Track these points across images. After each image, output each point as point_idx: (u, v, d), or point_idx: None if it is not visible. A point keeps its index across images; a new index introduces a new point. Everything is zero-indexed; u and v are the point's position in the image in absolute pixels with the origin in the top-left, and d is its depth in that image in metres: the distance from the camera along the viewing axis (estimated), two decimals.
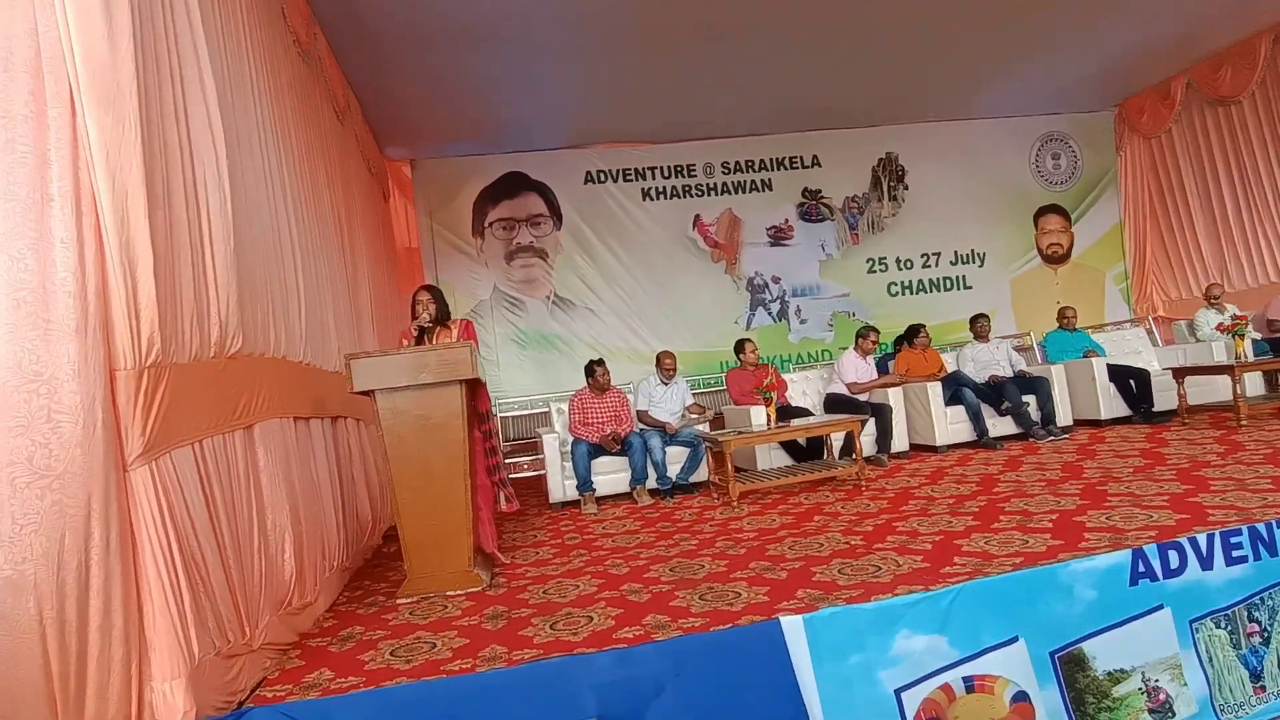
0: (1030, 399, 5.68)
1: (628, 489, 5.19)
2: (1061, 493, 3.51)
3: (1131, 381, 5.83)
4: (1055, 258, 9.30)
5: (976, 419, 5.57)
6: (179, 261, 1.99)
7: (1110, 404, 5.80)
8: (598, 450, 5.12)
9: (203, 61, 2.29)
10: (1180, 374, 5.35)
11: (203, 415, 2.12)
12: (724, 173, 8.46)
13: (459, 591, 3.15)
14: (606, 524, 4.41)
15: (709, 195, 8.40)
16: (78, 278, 1.54)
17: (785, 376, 6.15)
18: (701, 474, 5.27)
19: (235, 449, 2.35)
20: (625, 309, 8.02)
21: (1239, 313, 5.77)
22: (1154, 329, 8.14)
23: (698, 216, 8.36)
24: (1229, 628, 2.43)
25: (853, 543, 3.05)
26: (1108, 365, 5.91)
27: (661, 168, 8.25)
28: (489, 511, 3.61)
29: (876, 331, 6.09)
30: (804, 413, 5.62)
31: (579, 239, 7.89)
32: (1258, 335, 6.37)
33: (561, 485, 5.13)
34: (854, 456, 4.50)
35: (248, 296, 2.44)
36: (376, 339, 5.09)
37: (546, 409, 5.93)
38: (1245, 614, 2.45)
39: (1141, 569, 2.43)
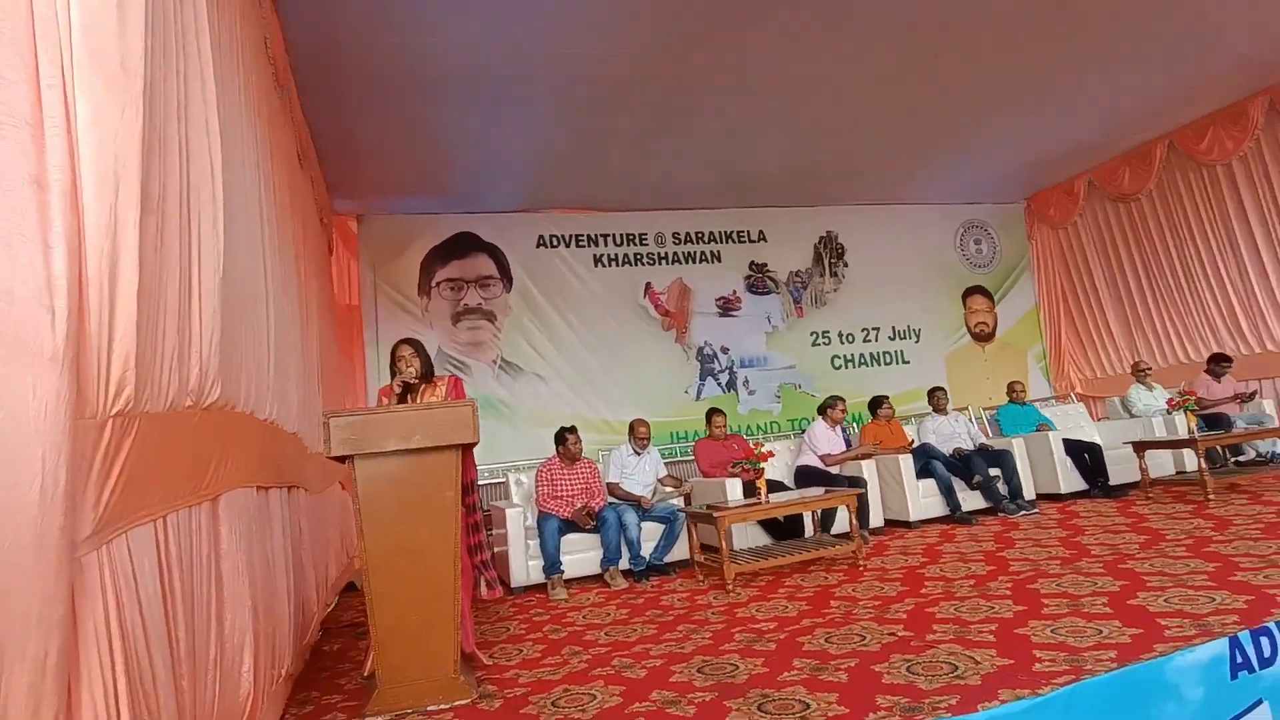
0: (995, 472, 5.67)
1: (597, 570, 4.71)
2: (1085, 571, 3.36)
3: (1086, 455, 5.94)
4: (982, 336, 9.69)
5: (949, 493, 5.48)
6: (166, 281, 1.51)
7: (1068, 478, 5.87)
8: (568, 527, 4.64)
9: (205, 57, 1.87)
10: (1140, 448, 5.47)
11: (171, 482, 1.60)
12: (675, 243, 8.40)
13: (444, 706, 2.59)
14: (585, 612, 3.91)
15: (660, 264, 8.28)
16: (55, 287, 1.07)
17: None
18: (677, 553, 4.87)
19: (200, 526, 1.81)
20: (574, 376, 7.64)
21: (1187, 389, 6.05)
22: (1088, 405, 8.48)
23: (649, 284, 8.20)
24: None
25: (898, 634, 2.73)
26: (1063, 439, 6.01)
27: (613, 235, 8.09)
28: (469, 601, 3.08)
29: (844, 401, 5.98)
30: (780, 486, 5.37)
31: (529, 302, 7.52)
32: None
33: (525, 567, 4.59)
34: (849, 533, 4.24)
35: (230, 336, 1.95)
36: (322, 400, 4.49)
37: (504, 480, 5.40)
38: None
39: (1239, 659, 2.23)
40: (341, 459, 2.66)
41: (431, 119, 5.56)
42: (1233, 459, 6.16)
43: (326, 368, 4.99)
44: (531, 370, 7.44)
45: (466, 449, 2.90)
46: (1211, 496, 4.78)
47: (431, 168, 6.41)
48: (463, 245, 7.36)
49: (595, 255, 7.94)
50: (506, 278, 7.48)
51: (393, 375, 3.22)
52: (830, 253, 9.11)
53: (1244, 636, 2.28)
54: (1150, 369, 7.23)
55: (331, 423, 2.54)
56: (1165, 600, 2.70)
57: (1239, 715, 2.17)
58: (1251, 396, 6.69)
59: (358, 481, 2.62)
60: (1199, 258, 8.09)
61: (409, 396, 3.12)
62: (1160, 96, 7.25)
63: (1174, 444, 5.41)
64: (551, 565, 4.48)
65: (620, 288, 8.01)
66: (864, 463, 5.50)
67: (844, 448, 5.82)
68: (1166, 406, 6.62)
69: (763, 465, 4.37)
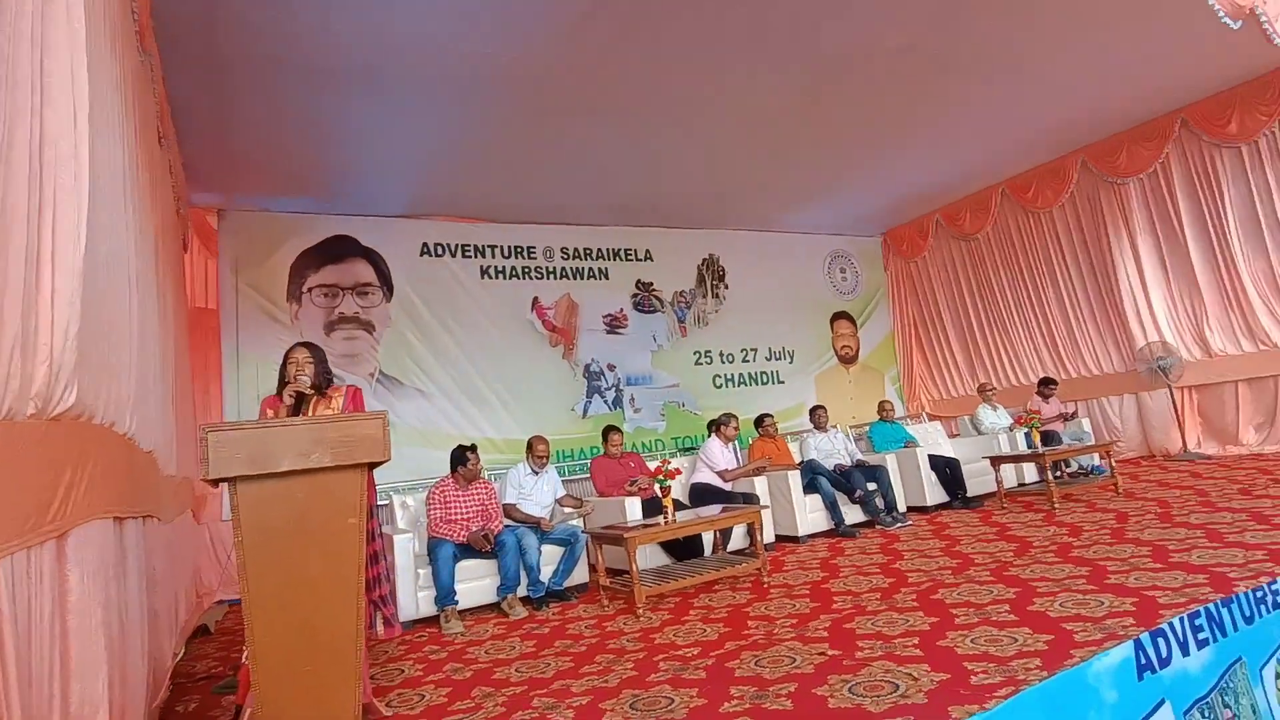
0: (872, 486, 5.90)
1: (493, 599, 4.37)
2: (977, 579, 3.49)
3: (948, 469, 6.34)
4: (847, 358, 10.24)
5: (833, 508, 5.63)
6: (8, 252, 1.13)
7: (933, 491, 6.23)
8: (463, 553, 4.26)
9: None
10: (996, 462, 5.91)
11: (5, 514, 1.20)
12: (563, 258, 8.20)
13: None
14: (487, 646, 3.58)
15: (548, 279, 8.05)
16: None
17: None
18: (577, 577, 4.63)
19: (42, 572, 1.38)
20: (458, 391, 7.19)
21: (1031, 409, 6.63)
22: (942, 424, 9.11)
23: (536, 299, 7.93)
24: (1211, 716, 2.43)
25: (827, 653, 2.67)
26: (928, 455, 6.39)
27: (501, 247, 7.76)
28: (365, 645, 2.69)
29: (736, 418, 6.01)
30: (678, 504, 5.27)
31: (411, 313, 7.01)
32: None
33: (415, 598, 4.16)
34: (746, 550, 4.20)
35: (91, 329, 1.53)
36: (174, 414, 3.84)
37: (388, 502, 4.91)
38: (1220, 699, 2.47)
39: (1143, 660, 2.35)
40: (217, 482, 2.22)
41: (312, 108, 5.04)
42: (1060, 472, 6.83)
43: (179, 378, 4.31)
44: (412, 384, 6.92)
45: (370, 469, 2.54)
46: (1056, 505, 5.23)
47: (308, 162, 5.82)
48: (339, 249, 6.74)
49: (483, 266, 7.57)
50: (387, 286, 6.94)
51: (281, 385, 2.78)
52: (712, 275, 9.28)
53: (1145, 638, 2.40)
54: (995, 390, 7.89)
55: (211, 438, 2.11)
56: (1060, 605, 2.84)
57: (1149, 715, 2.28)
58: (1073, 416, 7.48)
59: (240, 509, 2.19)
60: (1027, 292, 9.01)
61: (303, 410, 2.70)
62: (997, 150, 8.07)
63: (1025, 458, 5.90)
64: (445, 596, 4.09)
65: (507, 301, 7.68)
66: (756, 479, 5.54)
67: (736, 464, 5.84)
68: (1012, 424, 7.25)
69: (670, 483, 4.25)
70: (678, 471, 4.48)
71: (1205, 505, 4.54)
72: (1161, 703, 2.34)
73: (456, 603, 4.15)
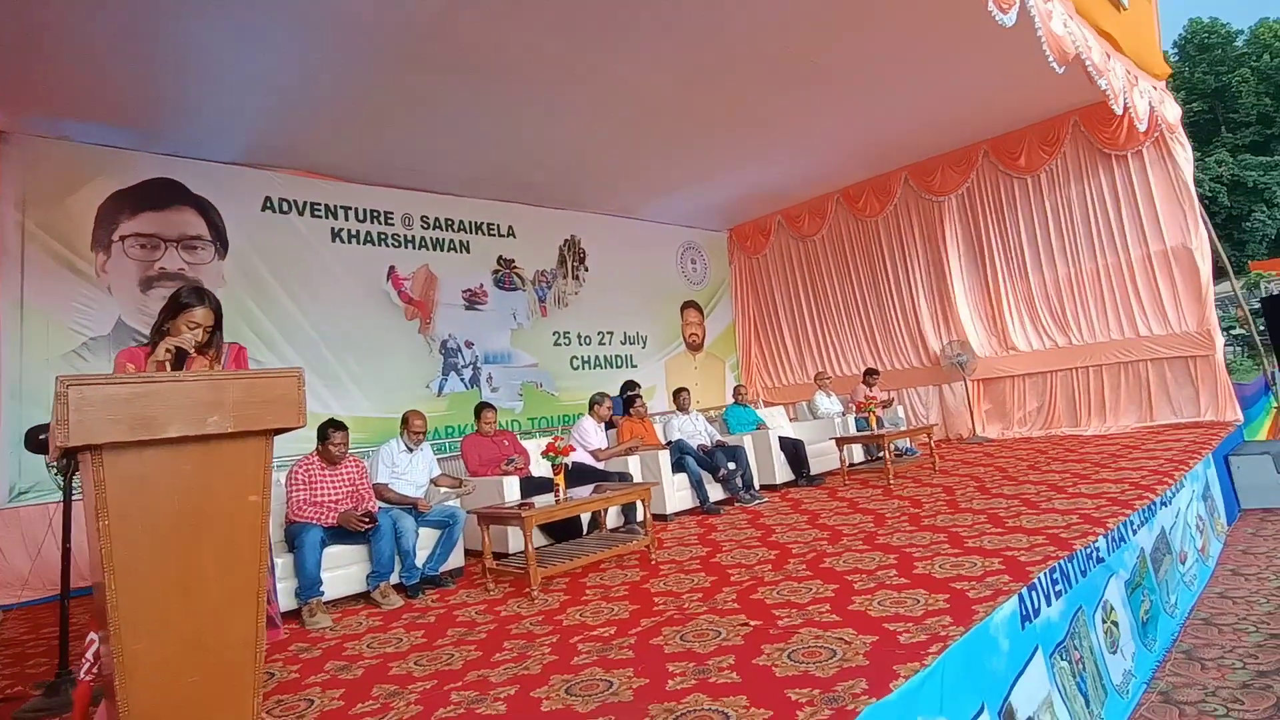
0: (732, 465, 6.12)
1: (361, 589, 3.94)
2: (854, 549, 3.71)
3: (794, 450, 6.75)
4: (694, 345, 10.58)
5: (699, 486, 5.75)
6: None
7: (782, 470, 6.60)
8: (331, 537, 3.78)
9: None
10: (842, 442, 6.38)
11: None
12: (423, 227, 7.61)
13: None
14: (368, 641, 3.20)
15: (406, 247, 7.43)
16: None
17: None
18: (453, 561, 4.31)
19: None
20: (302, 363, 6.41)
21: (869, 395, 7.23)
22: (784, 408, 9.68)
23: (393, 268, 7.29)
24: (1067, 658, 2.76)
25: (750, 624, 2.68)
26: (778, 436, 6.76)
27: (356, 210, 7.03)
28: None
29: (610, 398, 5.94)
30: (547, 482, 5.09)
31: (249, 274, 6.12)
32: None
33: (275, 590, 3.62)
34: (640, 526, 4.16)
35: None
36: None
37: None
38: (1072, 643, 2.82)
39: (1024, 611, 2.62)
40: (72, 452, 1.73)
41: (139, 17, 4.15)
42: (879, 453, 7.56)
43: None
44: (251, 356, 6.02)
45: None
46: (892, 482, 5.76)
47: (127, 85, 4.82)
48: (162, 194, 5.70)
49: (334, 229, 6.81)
50: (220, 241, 6.00)
51: (156, 336, 2.24)
52: (574, 256, 9.12)
53: (1024, 592, 2.68)
54: (830, 378, 8.52)
55: (73, 395, 1.61)
56: (940, 567, 3.09)
57: (1029, 660, 2.54)
58: (890, 403, 8.31)
59: (105, 486, 1.71)
60: (853, 291, 9.84)
61: (181, 367, 2.18)
62: (836, 161, 8.72)
63: (868, 439, 6.43)
64: (311, 586, 3.60)
65: (361, 268, 6.99)
66: (629, 458, 5.52)
67: (606, 444, 5.78)
68: (849, 409, 7.88)
69: (564, 460, 4.07)
70: (571, 449, 4.31)
71: (1008, 479, 5.21)
72: (1035, 649, 2.62)
73: (322, 594, 3.68)
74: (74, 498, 3.08)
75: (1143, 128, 5.98)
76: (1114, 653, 3.04)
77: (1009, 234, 8.18)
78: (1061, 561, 2.88)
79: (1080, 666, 2.76)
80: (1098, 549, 3.17)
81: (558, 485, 4.00)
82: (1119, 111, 5.49)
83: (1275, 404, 8.85)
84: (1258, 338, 7.11)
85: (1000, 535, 3.51)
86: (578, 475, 5.36)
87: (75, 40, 4.27)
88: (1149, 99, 6.24)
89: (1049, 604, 2.74)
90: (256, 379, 1.90)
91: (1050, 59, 4.52)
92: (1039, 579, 2.71)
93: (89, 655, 2.27)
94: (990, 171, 8.34)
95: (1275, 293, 6.47)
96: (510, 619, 3.27)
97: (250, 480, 1.93)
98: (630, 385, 7.28)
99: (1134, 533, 3.55)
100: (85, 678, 2.28)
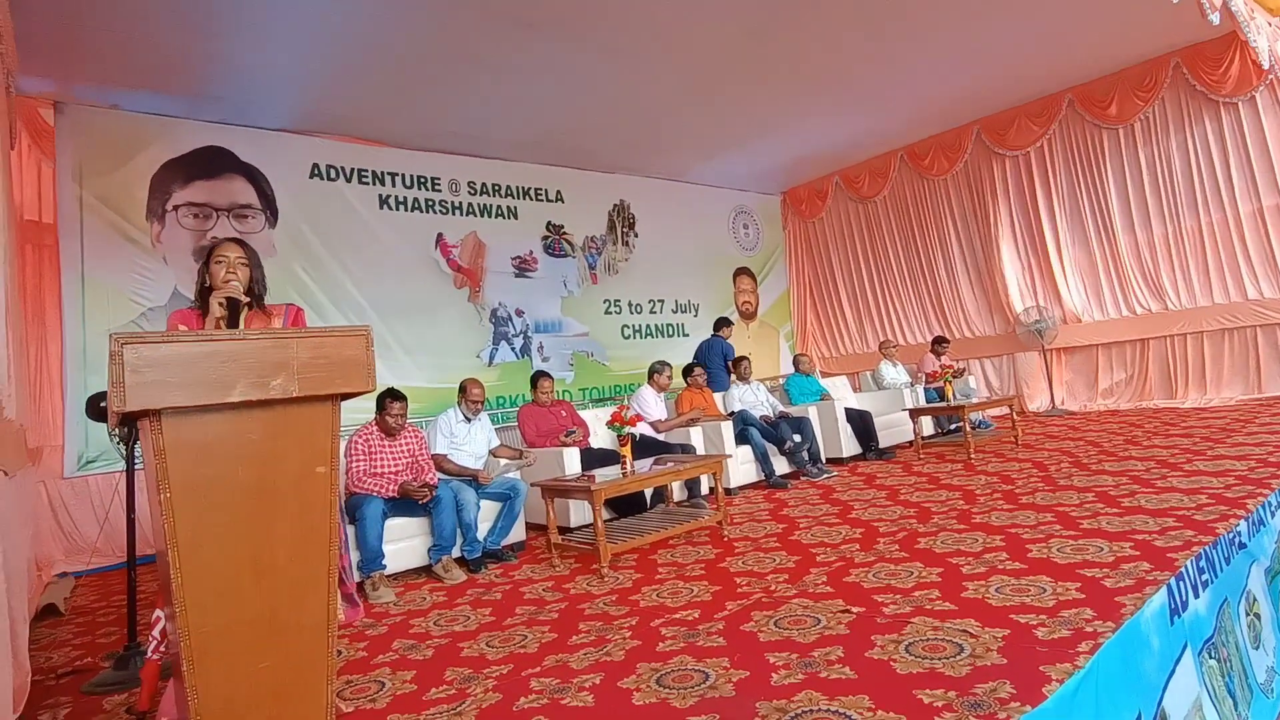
0: (798, 438, 5.85)
1: (424, 562, 3.84)
2: (949, 528, 3.44)
3: (861, 421, 6.44)
4: (748, 314, 10.26)
5: (764, 459, 5.52)
6: None
7: (849, 443, 6.31)
8: (393, 509, 3.68)
9: None
10: (916, 414, 6.05)
11: None
12: (470, 193, 7.43)
13: None
14: (434, 618, 3.08)
15: (454, 214, 7.27)
16: None
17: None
18: (515, 535, 4.18)
19: None
20: None
21: (947, 362, 6.85)
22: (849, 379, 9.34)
23: (441, 235, 7.15)
24: (1216, 656, 2.47)
25: (852, 611, 2.46)
26: (844, 408, 6.45)
27: (403, 175, 6.88)
28: None
29: (670, 367, 5.72)
30: (611, 455, 4.92)
31: (298, 242, 6.04)
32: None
33: (351, 567, 3.54)
34: (705, 500, 3.95)
35: None
36: (7, 343, 2.92)
37: None
38: (1220, 639, 2.52)
39: (1173, 605, 2.33)
40: (130, 419, 1.58)
41: None
42: (953, 427, 7.19)
43: (9, 303, 3.32)
44: None
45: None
46: (973, 456, 5.42)
47: (175, 52, 4.72)
48: (213, 163, 5.64)
49: (381, 195, 6.68)
50: (270, 210, 5.92)
51: (209, 288, 2.10)
52: (623, 222, 8.86)
53: (1173, 583, 2.39)
54: (896, 346, 8.13)
55: (128, 355, 1.45)
56: (1059, 551, 2.81)
57: (1179, 659, 2.25)
58: (961, 373, 7.88)
59: (168, 455, 1.56)
60: (918, 256, 9.37)
61: (237, 324, 2.04)
62: (897, 116, 8.19)
63: (945, 410, 6.07)
64: (373, 559, 3.51)
65: (409, 236, 6.87)
66: (691, 430, 5.30)
67: (666, 415, 5.58)
68: (916, 379, 7.51)
69: (630, 430, 3.88)
70: (637, 418, 4.11)
71: (1106, 455, 4.83)
72: (1185, 647, 2.32)
73: (384, 567, 3.58)
74: (137, 466, 3.01)
75: (1265, 65, 5.38)
76: (1257, 648, 2.73)
77: (1096, 191, 7.61)
78: (1207, 549, 2.57)
79: (1228, 665, 2.47)
80: (1239, 533, 2.84)
81: (624, 457, 3.80)
82: (1251, 42, 4.91)
83: None
84: None
85: (1119, 516, 3.19)
86: (640, 447, 5.17)
87: (131, 10, 4.15)
88: (1267, 35, 5.63)
89: (1196, 596, 2.44)
90: (324, 337, 1.71)
91: None
92: (1186, 567, 2.41)
93: (155, 633, 2.18)
94: (1075, 122, 7.74)
95: None
96: (581, 597, 3.11)
97: (319, 450, 1.76)
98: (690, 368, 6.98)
99: (1272, 514, 3.19)
100: (153, 656, 2.20)
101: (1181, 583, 2.38)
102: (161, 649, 2.18)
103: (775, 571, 3.09)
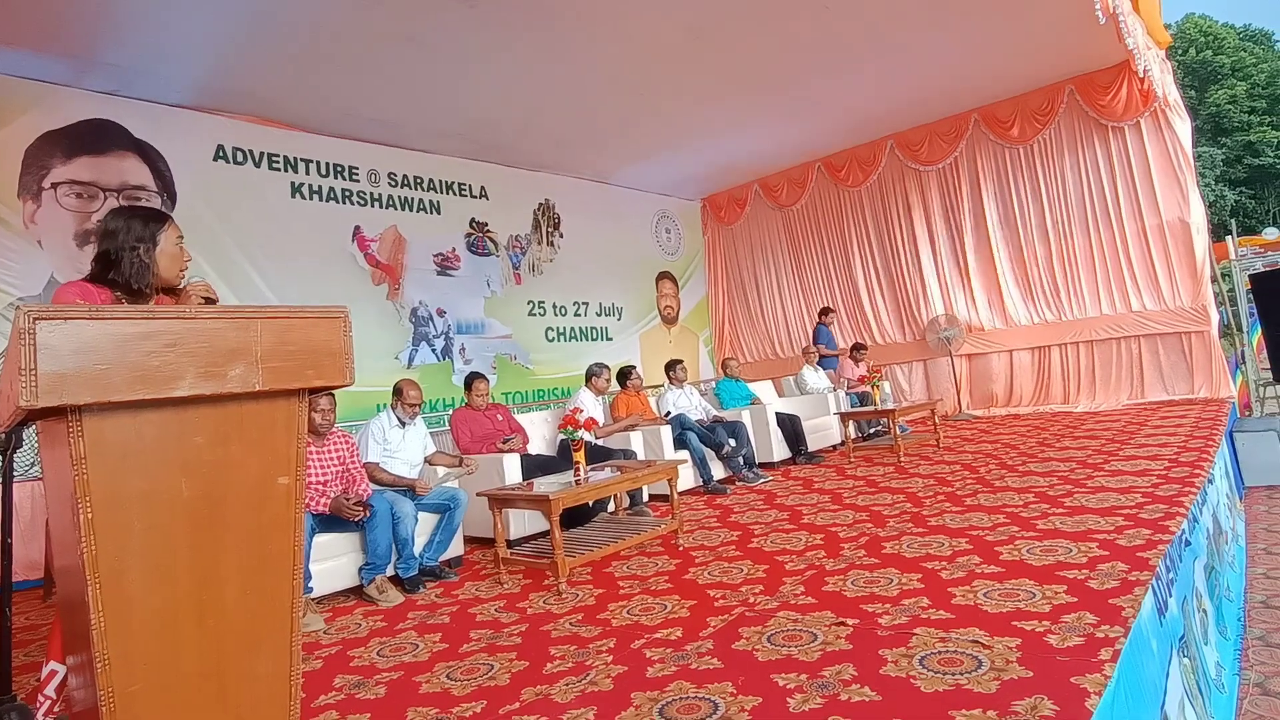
0: (733, 442, 5.78)
1: (354, 583, 3.43)
2: (909, 531, 3.43)
3: (792, 426, 6.47)
4: (669, 318, 10.19)
5: (702, 464, 5.40)
6: None
7: (779, 446, 6.31)
8: (322, 525, 3.25)
9: None
10: (847, 418, 6.13)
11: None
12: (391, 185, 6.93)
13: None
14: (378, 647, 2.73)
15: (372, 206, 6.75)
16: None
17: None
18: (453, 549, 3.83)
19: None
20: None
21: (876, 367, 6.98)
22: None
23: (358, 229, 6.61)
24: (1187, 655, 2.52)
25: (848, 624, 2.33)
26: (775, 412, 6.46)
27: (319, 163, 6.31)
28: None
29: (609, 370, 5.50)
30: (550, 461, 4.65)
31: (199, 230, 5.35)
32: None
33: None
34: (655, 508, 3.77)
35: None
36: None
37: None
38: (1190, 639, 2.58)
39: (1159, 606, 2.35)
40: (31, 417, 1.21)
41: None
42: (872, 431, 7.38)
43: None
44: None
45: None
46: (903, 459, 5.54)
47: (62, 7, 4.03)
48: (101, 138, 4.92)
49: (294, 183, 6.09)
50: (168, 193, 5.23)
51: (105, 264, 1.70)
52: (548, 221, 8.57)
53: (1155, 585, 2.41)
54: (816, 353, 8.27)
55: (41, 331, 1.09)
56: (1028, 553, 2.82)
57: (1168, 664, 2.27)
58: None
59: (89, 464, 1.20)
60: (835, 264, 9.62)
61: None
62: (816, 129, 8.38)
63: (874, 414, 6.18)
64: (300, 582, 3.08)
65: (323, 228, 6.31)
66: (631, 434, 5.11)
67: (604, 419, 5.36)
68: (837, 384, 7.65)
69: (582, 435, 3.63)
70: (593, 422, 3.87)
71: (1026, 456, 5.04)
72: (1171, 648, 2.35)
73: (311, 590, 3.17)
74: (19, 477, 2.47)
75: (1159, 94, 5.83)
76: (1206, 644, 2.84)
77: (999, 206, 8.07)
78: (1169, 547, 2.64)
79: (1195, 663, 2.53)
80: (1184, 531, 2.96)
81: (578, 463, 3.55)
82: (1141, 74, 5.30)
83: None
84: (1231, 317, 7.17)
85: (1069, 516, 3.27)
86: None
87: None
88: (1156, 66, 6.12)
89: (1170, 595, 2.49)
90: (292, 319, 1.39)
91: (1096, 6, 4.26)
92: (1161, 567, 2.45)
93: (49, 691, 1.75)
94: (982, 142, 8.18)
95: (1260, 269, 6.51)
96: (542, 618, 2.84)
97: (281, 456, 1.43)
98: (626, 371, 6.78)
99: (1200, 512, 3.37)
100: (46, 719, 1.76)
101: (1160, 582, 2.43)
102: (55, 711, 1.74)
103: (747, 583, 2.95)
